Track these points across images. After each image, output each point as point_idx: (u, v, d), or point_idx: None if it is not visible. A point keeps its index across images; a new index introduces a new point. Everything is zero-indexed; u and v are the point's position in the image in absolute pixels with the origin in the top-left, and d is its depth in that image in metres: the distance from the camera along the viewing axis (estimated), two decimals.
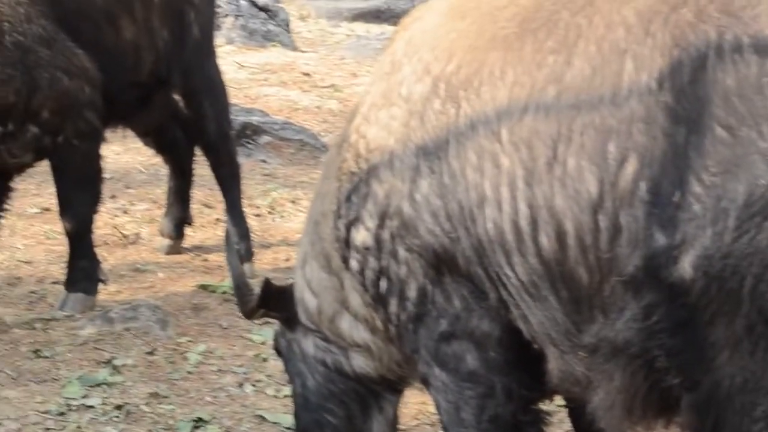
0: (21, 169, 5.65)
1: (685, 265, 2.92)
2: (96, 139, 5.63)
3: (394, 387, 4.04)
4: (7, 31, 5.09)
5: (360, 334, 3.86)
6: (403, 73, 3.53)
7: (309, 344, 4.01)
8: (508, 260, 3.23)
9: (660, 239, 2.95)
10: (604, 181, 3.02)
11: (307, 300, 3.96)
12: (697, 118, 2.94)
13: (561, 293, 3.19)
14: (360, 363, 3.92)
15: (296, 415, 4.16)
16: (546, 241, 3.13)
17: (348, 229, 3.65)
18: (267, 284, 3.96)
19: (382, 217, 3.52)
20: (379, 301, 3.66)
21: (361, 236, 3.60)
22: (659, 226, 2.95)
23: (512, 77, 3.25)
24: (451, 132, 3.33)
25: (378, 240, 3.55)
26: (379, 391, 4.02)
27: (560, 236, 3.11)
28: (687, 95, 2.96)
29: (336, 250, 3.75)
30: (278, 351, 4.23)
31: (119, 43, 5.66)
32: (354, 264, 3.68)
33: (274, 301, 4.00)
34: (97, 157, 5.68)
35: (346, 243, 3.67)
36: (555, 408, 4.15)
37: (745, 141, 2.88)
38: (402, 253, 3.50)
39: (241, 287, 4.03)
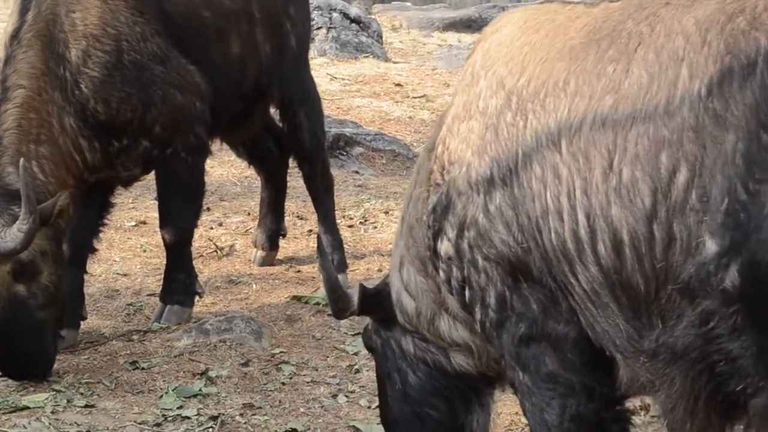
0: (129, 182, 5.76)
1: (734, 272, 2.95)
2: (203, 153, 5.72)
3: (494, 383, 4.10)
4: (126, 49, 5.21)
5: (459, 333, 3.92)
6: (480, 86, 3.63)
7: (408, 343, 4.07)
8: (571, 269, 3.30)
9: (710, 247, 2.99)
10: (658, 191, 3.06)
11: (405, 302, 4.03)
12: (745, 125, 2.96)
13: (621, 300, 3.24)
14: (460, 361, 3.99)
15: (388, 407, 4.21)
16: (604, 250, 3.19)
17: (434, 239, 3.75)
18: (363, 289, 4.05)
19: (461, 228, 3.61)
20: (466, 308, 3.75)
21: (445, 246, 3.71)
22: (709, 234, 2.98)
23: (573, 87, 3.31)
24: (520, 144, 3.41)
25: (458, 250, 3.65)
26: (480, 387, 4.08)
27: (617, 245, 3.16)
28: (736, 102, 2.98)
29: (428, 258, 3.84)
30: (370, 348, 4.30)
31: (227, 57, 5.75)
32: (442, 273, 3.78)
33: (371, 304, 4.09)
34: (202, 170, 5.77)
35: (435, 253, 3.77)
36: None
37: None
38: (480, 262, 3.59)
39: (334, 289, 4.11)
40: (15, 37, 5.00)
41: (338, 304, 4.12)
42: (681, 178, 3.02)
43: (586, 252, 3.23)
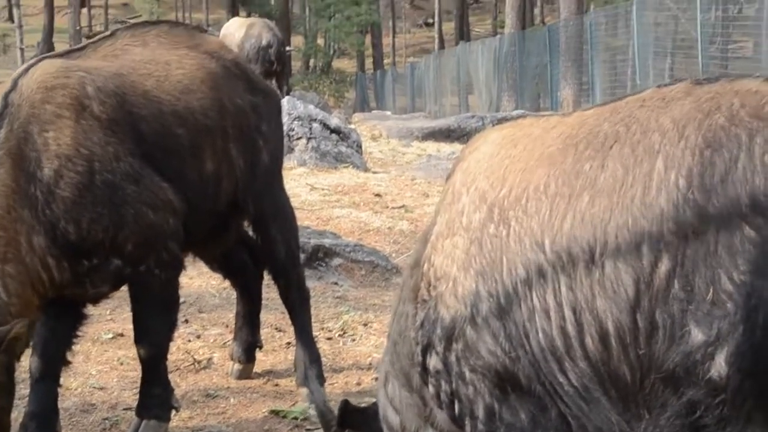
0: (97, 299, 5.71)
1: (721, 362, 2.97)
2: (177, 268, 5.69)
3: None
4: (98, 170, 5.20)
5: None
6: (462, 203, 3.68)
7: None
8: (560, 367, 3.31)
9: (696, 336, 3.01)
10: (640, 281, 3.09)
11: (390, 417, 4.03)
12: (727, 218, 3.00)
13: (611, 393, 3.25)
14: None
15: None
16: (591, 343, 3.22)
17: (423, 354, 3.75)
18: (345, 405, 4.07)
19: (449, 341, 3.62)
20: (455, 422, 3.73)
21: (434, 361, 3.71)
22: (695, 323, 3.00)
23: (554, 189, 3.37)
24: (504, 252, 3.45)
25: (446, 363, 3.65)
26: None
27: (603, 337, 3.19)
28: (717, 195, 3.03)
29: (416, 372, 3.85)
30: None
31: (202, 174, 5.76)
32: (431, 388, 3.77)
33: (355, 421, 4.09)
34: (176, 285, 5.73)
35: (424, 368, 3.78)
36: None
37: None
38: (468, 374, 3.58)
39: (324, 413, 4.18)
40: None
41: (330, 428, 4.15)
42: (663, 268, 3.05)
43: (575, 347, 3.25)
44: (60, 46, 58.56)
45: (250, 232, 6.57)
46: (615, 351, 3.17)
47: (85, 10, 68.46)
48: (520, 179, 3.50)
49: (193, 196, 5.60)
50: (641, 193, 3.15)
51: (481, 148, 3.81)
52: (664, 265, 3.06)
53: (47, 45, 60.55)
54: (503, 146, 3.70)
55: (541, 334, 3.32)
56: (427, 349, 3.73)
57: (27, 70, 5.32)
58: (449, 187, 3.82)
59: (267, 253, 6.50)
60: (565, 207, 3.31)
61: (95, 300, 5.67)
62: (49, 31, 62.96)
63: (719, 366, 2.97)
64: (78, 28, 53.89)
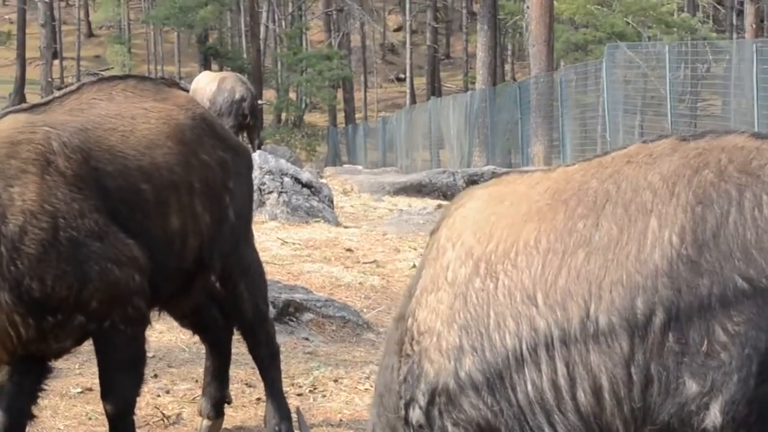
0: (59, 354, 5.66)
1: (715, 412, 3.04)
2: (143, 323, 5.65)
3: None
4: (63, 227, 5.17)
5: None
6: (447, 258, 3.72)
7: None
8: (548, 419, 3.35)
9: (691, 387, 3.08)
10: (635, 335, 3.17)
11: None
12: (719, 271, 3.11)
13: None
14: None
15: None
16: (583, 396, 3.27)
17: (406, 408, 3.79)
18: None
19: (432, 395, 3.66)
20: None
21: (416, 415, 3.75)
22: (689, 374, 3.08)
23: (546, 245, 3.44)
24: (492, 305, 3.50)
25: (428, 417, 3.69)
26: None
27: (596, 391, 3.24)
28: (710, 249, 3.13)
29: (401, 425, 3.88)
30: None
31: (167, 230, 5.73)
32: None
33: None
34: (142, 341, 5.68)
35: (406, 422, 3.81)
36: None
37: (765, 292, 3.05)
38: (450, 428, 3.62)
39: None
40: None
41: None
42: (657, 322, 3.14)
43: (566, 400, 3.29)
44: (32, 97, 58.55)
45: (218, 288, 6.53)
46: (608, 404, 3.22)
47: (57, 62, 68.50)
48: (508, 234, 3.55)
49: (158, 253, 5.57)
50: (636, 250, 3.23)
51: (467, 204, 3.86)
52: (658, 319, 3.14)
53: (19, 96, 60.50)
54: (489, 202, 3.75)
55: (530, 386, 3.36)
56: (410, 403, 3.76)
57: None
58: (434, 243, 3.86)
59: (235, 311, 6.48)
60: (559, 263, 3.37)
61: (58, 355, 5.62)
62: (21, 82, 62.92)
63: (714, 416, 3.04)
64: (50, 79, 53.92)
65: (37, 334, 5.17)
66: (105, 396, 5.57)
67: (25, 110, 5.63)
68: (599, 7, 40.69)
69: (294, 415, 6.69)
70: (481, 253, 3.60)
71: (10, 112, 5.53)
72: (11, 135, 5.22)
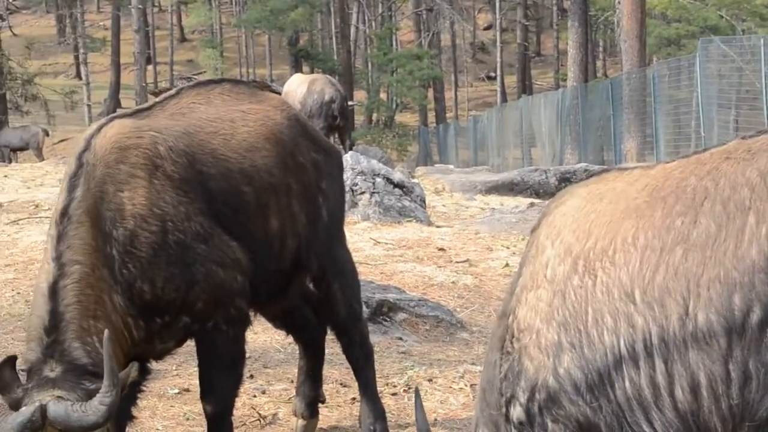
0: (162, 355, 5.75)
1: None
2: (244, 324, 5.72)
3: None
4: (171, 230, 5.26)
5: None
6: (546, 255, 3.76)
7: None
8: (646, 416, 3.36)
9: None
10: (732, 332, 3.17)
11: None
12: None
13: None
14: None
15: None
16: (681, 393, 3.27)
17: (507, 405, 3.83)
18: None
19: (532, 392, 3.69)
20: None
21: (517, 412, 3.78)
22: None
23: (643, 242, 3.44)
24: (590, 302, 3.52)
25: (529, 414, 3.72)
26: None
27: (694, 388, 3.25)
28: None
29: (502, 421, 3.92)
30: None
31: (267, 231, 5.81)
32: None
33: None
34: (243, 341, 5.75)
35: (507, 419, 3.85)
36: None
37: None
38: (550, 425, 3.65)
39: None
40: (65, 214, 5.08)
41: None
42: (755, 318, 3.13)
43: (663, 397, 3.31)
44: (126, 102, 59.53)
45: (312, 288, 6.57)
46: (706, 401, 3.22)
47: (150, 67, 69.47)
48: (606, 231, 3.57)
49: (259, 254, 5.64)
50: (733, 246, 3.23)
51: (567, 202, 3.89)
52: (756, 315, 3.14)
53: (114, 102, 61.56)
54: (589, 200, 3.78)
55: (628, 383, 3.38)
56: (510, 400, 3.80)
57: (99, 129, 5.41)
58: (534, 240, 3.89)
59: (328, 311, 6.52)
60: (656, 260, 3.38)
61: (160, 356, 5.72)
62: (116, 88, 63.97)
63: None
64: (144, 84, 54.67)
65: (146, 335, 5.26)
66: (205, 396, 5.63)
67: (129, 115, 5.73)
68: (692, 1, 40.18)
69: (388, 414, 6.71)
70: (579, 251, 3.61)
71: (115, 117, 5.63)
72: (119, 140, 5.32)
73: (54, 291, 4.90)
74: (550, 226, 3.83)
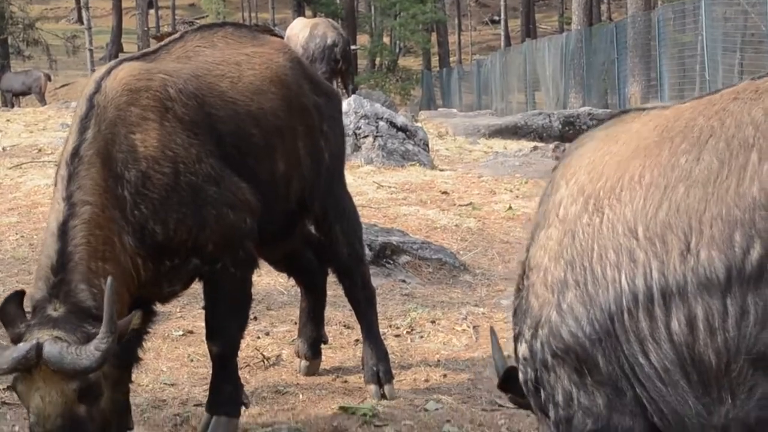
0: (169, 298, 5.77)
1: None
2: (252, 266, 5.73)
3: None
4: (182, 172, 5.26)
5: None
6: (560, 194, 3.81)
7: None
8: (642, 348, 3.41)
9: None
10: (732, 268, 3.21)
11: None
12: None
13: (691, 377, 3.35)
14: None
15: None
16: (677, 325, 3.32)
17: (515, 342, 3.92)
18: (509, 370, 4.21)
19: (536, 328, 3.75)
20: (541, 409, 3.87)
21: (522, 349, 3.86)
22: None
23: (648, 179, 3.49)
24: (596, 239, 3.57)
25: (531, 350, 3.79)
26: None
27: (691, 320, 3.30)
28: None
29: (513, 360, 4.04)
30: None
31: (275, 173, 5.82)
32: (520, 375, 3.93)
33: (516, 387, 4.14)
34: (250, 283, 5.77)
35: (516, 356, 3.93)
36: None
37: None
38: (550, 359, 3.70)
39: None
40: (76, 154, 5.07)
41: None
42: (755, 255, 3.17)
43: (660, 329, 3.35)
44: (128, 46, 59.26)
45: (314, 231, 6.59)
46: (702, 334, 3.27)
47: (152, 11, 69.11)
48: (615, 170, 3.61)
49: (266, 196, 5.65)
50: (735, 183, 3.26)
51: (585, 143, 3.93)
52: (756, 252, 3.18)
53: (116, 46, 61.34)
54: (605, 141, 3.82)
55: (626, 316, 3.43)
56: (518, 337, 3.87)
57: (109, 72, 5.39)
58: (551, 181, 3.94)
59: (331, 253, 6.55)
60: (660, 197, 3.42)
61: (167, 299, 5.74)
62: (118, 32, 63.72)
63: None
64: (146, 29, 54.39)
65: (154, 277, 5.27)
66: (211, 337, 5.65)
67: (137, 58, 5.72)
68: None
69: (391, 355, 6.74)
70: (591, 191, 3.66)
71: (124, 60, 5.62)
72: (130, 82, 5.31)
73: (63, 231, 4.90)
74: (566, 167, 3.87)
